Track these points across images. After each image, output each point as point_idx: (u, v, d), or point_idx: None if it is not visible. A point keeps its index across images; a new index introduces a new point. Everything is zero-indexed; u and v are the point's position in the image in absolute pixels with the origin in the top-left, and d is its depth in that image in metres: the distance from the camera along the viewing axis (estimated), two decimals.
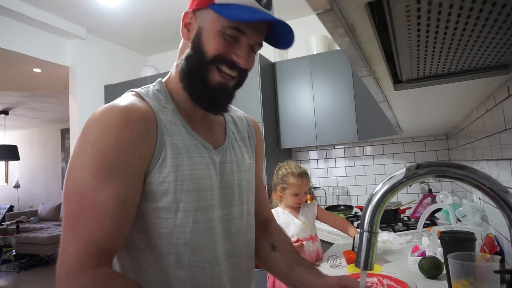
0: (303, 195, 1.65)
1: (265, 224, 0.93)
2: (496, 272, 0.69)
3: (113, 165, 0.59)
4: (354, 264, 1.14)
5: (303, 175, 1.66)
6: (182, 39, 0.73)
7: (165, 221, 0.66)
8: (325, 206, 2.67)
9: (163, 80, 0.76)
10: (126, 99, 0.66)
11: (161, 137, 0.65)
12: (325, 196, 2.90)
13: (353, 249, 1.50)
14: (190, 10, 0.70)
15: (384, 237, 1.68)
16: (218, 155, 0.75)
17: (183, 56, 0.71)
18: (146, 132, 0.63)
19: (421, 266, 1.18)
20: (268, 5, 0.69)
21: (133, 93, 0.71)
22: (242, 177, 0.80)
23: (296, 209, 1.69)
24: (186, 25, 0.71)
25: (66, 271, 0.56)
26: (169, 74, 0.77)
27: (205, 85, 0.69)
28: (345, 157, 2.89)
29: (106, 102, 3.26)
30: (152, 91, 0.72)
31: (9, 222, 6.04)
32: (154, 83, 0.76)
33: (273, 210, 1.74)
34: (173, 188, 0.65)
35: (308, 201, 1.75)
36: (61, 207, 0.61)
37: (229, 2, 0.65)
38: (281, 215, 1.68)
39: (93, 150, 0.58)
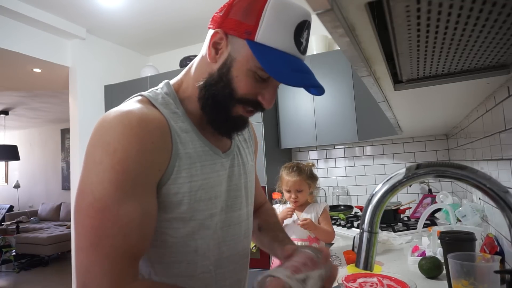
0: (296, 192, 1.65)
1: (258, 208, 0.98)
2: (496, 272, 0.69)
3: (135, 177, 0.57)
4: (354, 264, 1.15)
5: (293, 170, 1.66)
6: (202, 55, 0.70)
7: (177, 230, 0.65)
8: None
9: (172, 82, 0.74)
10: (137, 105, 0.63)
11: (175, 147, 0.64)
12: (325, 196, 2.90)
13: (353, 249, 1.50)
14: (222, 31, 0.64)
15: (384, 237, 1.68)
16: (227, 159, 0.75)
17: (206, 78, 0.67)
18: (163, 143, 0.62)
19: (421, 266, 1.18)
20: (305, 50, 0.66)
21: (142, 97, 0.68)
22: (248, 179, 0.81)
23: (301, 208, 1.69)
24: (214, 45, 0.66)
25: None
26: (179, 79, 0.74)
27: (227, 117, 0.68)
28: (345, 157, 2.89)
29: (106, 102, 3.27)
30: (161, 95, 0.69)
31: (9, 222, 6.05)
32: (161, 85, 0.73)
33: (275, 206, 1.75)
34: (188, 198, 0.65)
35: (310, 201, 1.74)
36: (75, 222, 0.56)
37: (267, 42, 0.61)
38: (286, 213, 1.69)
39: (113, 162, 0.55)
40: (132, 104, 0.64)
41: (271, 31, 0.61)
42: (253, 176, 0.85)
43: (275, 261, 1.73)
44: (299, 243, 1.62)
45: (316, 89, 0.68)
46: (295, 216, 1.68)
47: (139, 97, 0.68)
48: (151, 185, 0.60)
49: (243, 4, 0.63)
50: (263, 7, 0.61)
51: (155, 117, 0.63)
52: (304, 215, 1.67)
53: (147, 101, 0.67)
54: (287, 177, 1.67)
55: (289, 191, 1.67)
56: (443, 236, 0.97)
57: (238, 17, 0.63)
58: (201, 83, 0.68)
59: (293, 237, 1.63)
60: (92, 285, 0.52)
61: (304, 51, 0.65)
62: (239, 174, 0.78)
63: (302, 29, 0.63)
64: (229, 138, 0.75)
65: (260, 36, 0.61)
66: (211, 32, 0.67)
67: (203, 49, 0.70)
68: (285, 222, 1.69)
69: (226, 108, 0.67)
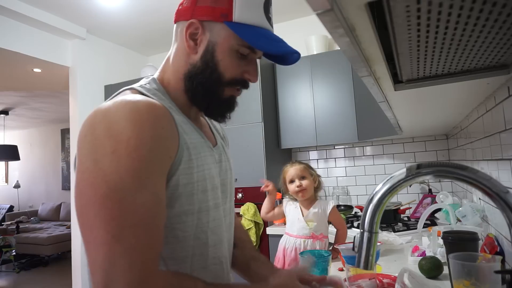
0: (300, 180, 1.67)
1: None
2: (496, 272, 0.69)
3: (151, 164, 0.55)
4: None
5: (296, 162, 1.73)
6: (176, 48, 0.70)
7: (186, 224, 0.65)
8: None
9: (156, 77, 0.73)
10: (138, 96, 0.62)
11: (181, 135, 0.64)
12: (325, 196, 2.90)
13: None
14: (196, 20, 0.66)
15: (384, 237, 1.68)
16: (217, 153, 0.77)
17: (189, 70, 0.68)
18: (172, 130, 0.62)
19: (421, 266, 1.18)
20: (272, 25, 0.71)
21: (134, 90, 0.67)
22: (232, 174, 0.83)
23: (308, 204, 1.70)
24: (192, 36, 0.67)
25: (128, 284, 0.50)
26: (161, 72, 0.73)
27: (220, 101, 0.70)
28: (345, 157, 2.89)
29: None
30: (152, 90, 0.69)
31: (9, 222, 6.06)
32: (148, 81, 0.72)
33: (285, 201, 1.77)
34: (196, 188, 0.65)
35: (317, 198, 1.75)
36: (86, 217, 0.53)
37: (244, 20, 0.65)
38: (292, 210, 1.71)
39: (128, 150, 0.53)
40: (131, 95, 0.63)
41: (245, 10, 0.65)
42: (232, 172, 0.85)
43: (278, 257, 1.73)
44: (302, 240, 1.62)
45: (291, 56, 0.72)
46: (299, 215, 1.68)
47: (131, 90, 0.68)
48: (163, 173, 0.59)
49: None
50: None
51: (160, 105, 0.62)
52: (308, 216, 1.66)
53: (141, 94, 0.66)
54: (289, 168, 1.71)
55: (293, 181, 1.68)
56: (445, 236, 0.97)
57: (208, 3, 0.65)
58: (184, 75, 0.69)
59: (296, 234, 1.65)
60: (120, 279, 0.50)
61: (272, 26, 0.70)
62: (225, 169, 0.79)
63: (268, 4, 0.68)
64: (222, 121, 0.76)
65: (237, 16, 0.64)
66: (182, 24, 0.68)
67: (177, 43, 0.71)
68: (291, 220, 1.71)
69: (217, 93, 0.69)
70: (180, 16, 0.69)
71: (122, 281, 0.50)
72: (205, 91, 0.69)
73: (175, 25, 0.72)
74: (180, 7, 0.69)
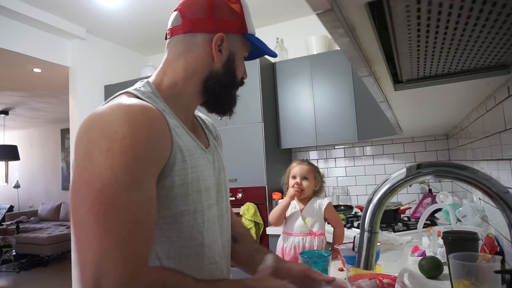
0: (302, 179, 1.69)
1: None
2: (496, 272, 0.69)
3: (145, 163, 0.57)
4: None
5: (305, 162, 1.76)
6: (198, 55, 0.73)
7: (182, 225, 0.66)
8: None
9: (152, 81, 0.74)
10: (133, 99, 0.64)
11: (174, 138, 0.66)
12: (325, 196, 2.90)
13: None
14: (223, 33, 0.73)
15: (384, 237, 1.68)
16: (210, 154, 0.79)
17: (208, 75, 0.74)
18: (165, 132, 0.64)
19: (421, 266, 1.18)
20: None
21: (129, 94, 0.68)
22: (225, 174, 0.85)
23: (304, 202, 1.72)
24: (218, 47, 0.73)
25: (120, 279, 0.49)
26: (160, 75, 0.75)
27: (231, 99, 0.80)
28: (345, 157, 2.89)
29: None
30: (147, 94, 0.69)
31: (9, 222, 6.06)
32: (142, 84, 0.73)
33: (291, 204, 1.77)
34: (190, 189, 0.67)
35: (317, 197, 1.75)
36: (79, 212, 0.53)
37: (251, 31, 0.77)
38: (289, 209, 1.72)
39: (123, 148, 0.54)
40: (126, 98, 0.64)
41: (249, 22, 0.77)
42: (226, 172, 0.86)
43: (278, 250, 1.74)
44: (301, 238, 1.63)
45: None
46: (298, 214, 1.69)
47: (127, 94, 0.69)
48: (155, 173, 0.60)
49: (223, 4, 0.73)
50: (240, 3, 0.75)
51: (154, 108, 0.64)
52: (305, 214, 1.68)
53: (136, 97, 0.68)
54: (296, 165, 1.74)
55: (295, 178, 1.71)
56: (445, 236, 0.97)
57: (226, 16, 0.73)
58: (205, 79, 0.75)
59: (294, 232, 1.65)
60: (111, 273, 0.49)
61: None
62: (219, 169, 0.81)
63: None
64: (230, 115, 0.84)
65: (249, 28, 0.76)
66: (203, 35, 0.72)
67: (195, 51, 0.73)
68: (290, 218, 1.71)
69: (232, 93, 0.80)
70: (196, 27, 0.72)
71: (113, 275, 0.49)
72: (225, 93, 0.78)
73: (188, 34, 0.73)
74: (192, 17, 0.72)
